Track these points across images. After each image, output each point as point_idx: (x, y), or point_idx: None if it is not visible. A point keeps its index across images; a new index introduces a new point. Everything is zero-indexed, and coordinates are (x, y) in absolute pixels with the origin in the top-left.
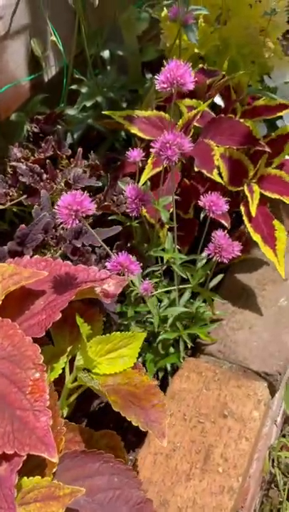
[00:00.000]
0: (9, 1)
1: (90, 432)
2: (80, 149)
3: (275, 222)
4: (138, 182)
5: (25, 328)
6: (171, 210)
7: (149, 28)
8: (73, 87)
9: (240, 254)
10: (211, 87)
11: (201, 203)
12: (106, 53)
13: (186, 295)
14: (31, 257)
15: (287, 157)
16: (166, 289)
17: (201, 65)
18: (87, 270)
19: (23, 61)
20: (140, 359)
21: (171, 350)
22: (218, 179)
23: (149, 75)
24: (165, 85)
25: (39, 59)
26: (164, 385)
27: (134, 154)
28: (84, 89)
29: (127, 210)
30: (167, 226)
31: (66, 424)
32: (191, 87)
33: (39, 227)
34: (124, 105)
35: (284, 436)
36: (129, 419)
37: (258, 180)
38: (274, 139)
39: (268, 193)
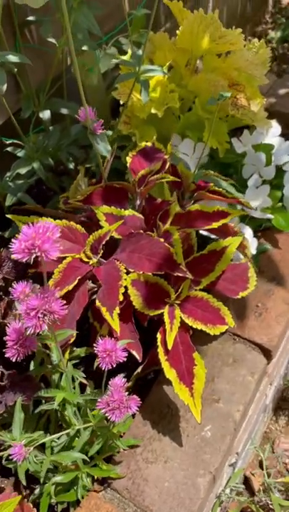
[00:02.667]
0: None
1: None
2: None
3: (196, 355)
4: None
5: None
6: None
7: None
8: (9, 149)
9: (136, 410)
10: (145, 180)
11: (95, 348)
12: (46, 114)
13: (85, 436)
14: None
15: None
16: (57, 435)
17: (145, 144)
18: None
19: None
20: (37, 491)
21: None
22: (115, 325)
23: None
24: (20, 256)
25: None
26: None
27: (19, 289)
28: (20, 153)
29: (6, 355)
30: (62, 365)
31: None
32: (55, 255)
33: None
34: (71, 166)
35: None
36: None
37: (181, 301)
38: (204, 255)
39: (189, 321)
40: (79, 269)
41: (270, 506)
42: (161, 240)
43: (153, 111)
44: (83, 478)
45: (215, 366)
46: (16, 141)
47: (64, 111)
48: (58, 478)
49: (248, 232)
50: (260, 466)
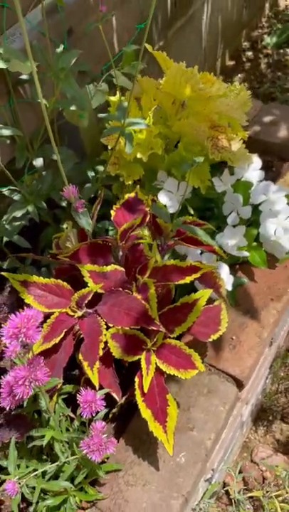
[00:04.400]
0: None
1: None
2: None
3: (169, 396)
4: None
5: None
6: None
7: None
8: (5, 192)
9: (113, 451)
10: (126, 234)
11: (78, 399)
12: (39, 161)
13: (72, 466)
14: None
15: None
16: (48, 467)
17: (128, 195)
18: None
19: None
20: (31, 509)
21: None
22: (94, 379)
23: None
24: (9, 340)
25: None
26: None
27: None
28: (16, 197)
29: (1, 405)
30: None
31: None
32: (37, 339)
33: None
34: (64, 204)
35: None
36: None
37: (157, 347)
38: (178, 307)
39: (164, 367)
40: (65, 322)
41: None
42: (139, 296)
43: (138, 155)
44: (71, 500)
45: (191, 396)
46: (11, 188)
47: (55, 157)
48: (49, 502)
49: (224, 270)
50: (240, 472)
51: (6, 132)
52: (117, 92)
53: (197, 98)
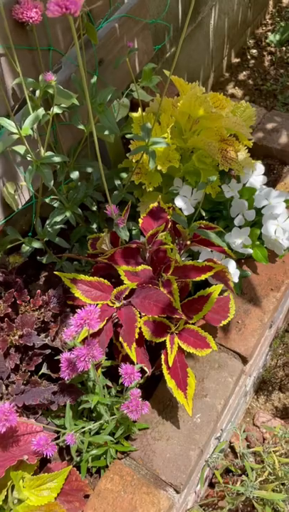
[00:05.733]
0: None
1: None
2: (38, 292)
3: (189, 370)
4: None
5: None
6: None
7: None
8: (47, 200)
9: (148, 411)
10: (153, 238)
11: (120, 371)
12: (75, 174)
13: (112, 424)
14: None
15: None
16: (94, 425)
17: (152, 205)
18: (26, 424)
19: None
20: (78, 459)
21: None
22: (133, 356)
23: None
24: (76, 328)
25: (9, 201)
26: (99, 473)
27: (68, 333)
28: (56, 204)
29: (61, 376)
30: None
31: None
32: (97, 327)
33: None
34: (94, 208)
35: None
36: None
37: (179, 331)
38: (195, 299)
39: (184, 346)
40: (106, 311)
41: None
42: (164, 291)
43: (158, 167)
44: (111, 451)
45: (204, 370)
46: (53, 197)
47: (89, 170)
48: (94, 452)
49: (231, 265)
50: (244, 431)
51: (57, 159)
52: (139, 109)
53: (208, 117)
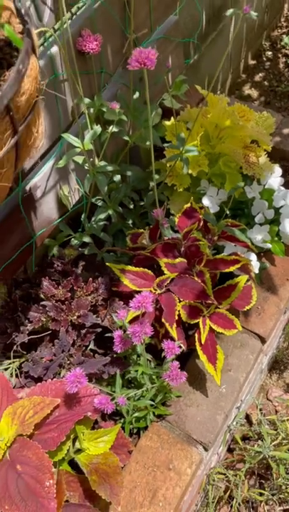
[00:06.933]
0: (44, 173)
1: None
2: (90, 280)
3: (218, 346)
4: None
5: (43, 440)
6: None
7: None
8: (93, 200)
9: (184, 379)
10: (188, 235)
11: (163, 345)
12: (117, 177)
13: (152, 392)
14: (52, 379)
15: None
16: (138, 391)
17: (186, 206)
18: (86, 388)
19: (54, 205)
20: (122, 420)
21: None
22: (174, 334)
23: None
24: (135, 309)
25: (65, 202)
26: (138, 434)
27: (121, 315)
28: (100, 203)
29: (114, 349)
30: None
31: (67, 482)
32: (150, 308)
33: (57, 363)
34: (131, 206)
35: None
36: (100, 494)
37: (210, 315)
38: (225, 287)
39: (215, 327)
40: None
41: (262, 434)
42: (199, 280)
43: (190, 171)
44: (150, 414)
45: (229, 348)
46: (99, 197)
47: (128, 173)
48: (136, 414)
49: (253, 258)
50: (257, 407)
51: (110, 168)
52: (172, 118)
53: (234, 127)
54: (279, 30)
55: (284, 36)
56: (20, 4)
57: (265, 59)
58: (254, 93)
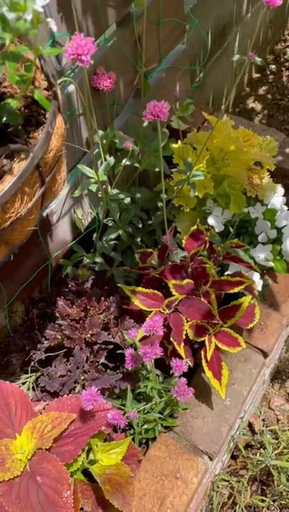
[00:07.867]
0: (60, 200)
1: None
2: (102, 299)
3: (223, 363)
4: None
5: (61, 453)
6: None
7: None
8: (104, 220)
9: (191, 395)
10: (194, 257)
11: (171, 363)
12: (127, 199)
13: (161, 405)
14: (67, 394)
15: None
16: (147, 405)
17: (193, 228)
18: (99, 403)
19: (68, 228)
20: (132, 431)
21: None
22: (182, 353)
23: None
24: (147, 333)
25: (78, 225)
26: (147, 444)
27: (132, 335)
28: (111, 224)
29: (126, 366)
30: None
31: (82, 490)
32: (161, 332)
33: (72, 379)
34: (140, 225)
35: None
36: (113, 503)
37: (216, 333)
38: (230, 307)
39: (220, 345)
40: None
41: (264, 443)
42: (205, 301)
43: (196, 194)
44: (158, 426)
45: (233, 363)
46: (110, 218)
47: (138, 195)
48: (145, 426)
49: (256, 276)
50: (259, 417)
51: (122, 196)
52: (179, 141)
53: (239, 152)
54: (282, 44)
55: (287, 50)
56: (43, 62)
57: (268, 72)
58: (257, 106)
